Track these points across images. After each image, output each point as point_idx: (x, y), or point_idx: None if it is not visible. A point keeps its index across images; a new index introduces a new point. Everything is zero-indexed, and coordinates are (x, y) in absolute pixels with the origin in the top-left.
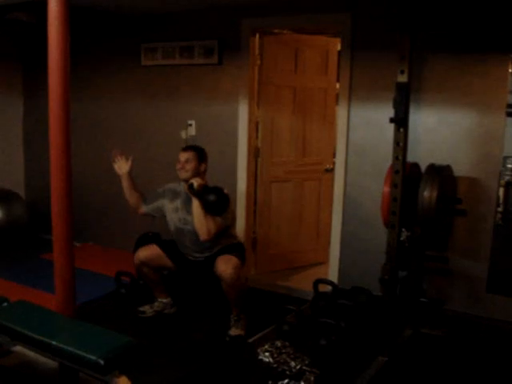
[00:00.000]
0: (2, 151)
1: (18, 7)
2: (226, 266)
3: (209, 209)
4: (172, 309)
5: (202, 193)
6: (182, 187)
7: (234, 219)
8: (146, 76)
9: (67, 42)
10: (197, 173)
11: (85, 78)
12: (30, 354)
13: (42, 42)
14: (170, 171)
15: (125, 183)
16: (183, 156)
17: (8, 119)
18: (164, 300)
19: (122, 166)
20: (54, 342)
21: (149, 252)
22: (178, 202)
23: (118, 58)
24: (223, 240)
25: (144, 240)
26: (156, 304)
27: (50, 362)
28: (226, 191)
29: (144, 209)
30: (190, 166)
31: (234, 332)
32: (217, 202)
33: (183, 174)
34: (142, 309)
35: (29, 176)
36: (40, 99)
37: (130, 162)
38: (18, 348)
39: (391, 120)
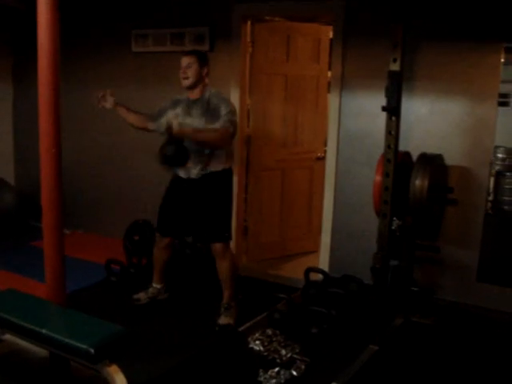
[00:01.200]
0: None
1: None
2: (221, 255)
3: (164, 160)
4: (165, 295)
5: (175, 140)
6: (186, 94)
7: (235, 129)
8: (136, 63)
9: (57, 28)
10: (200, 77)
11: (75, 64)
12: (21, 342)
13: (32, 28)
14: None
15: (121, 113)
16: (184, 61)
17: None
18: (158, 286)
19: (106, 102)
20: (44, 331)
21: (163, 244)
22: (179, 109)
23: (109, 44)
24: (217, 159)
25: (134, 228)
26: (150, 290)
27: (41, 351)
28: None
29: (151, 126)
30: (191, 72)
31: (222, 321)
32: (174, 156)
33: (186, 82)
34: (136, 296)
35: (18, 163)
36: (30, 86)
37: (110, 93)
38: (8, 337)
39: (383, 108)
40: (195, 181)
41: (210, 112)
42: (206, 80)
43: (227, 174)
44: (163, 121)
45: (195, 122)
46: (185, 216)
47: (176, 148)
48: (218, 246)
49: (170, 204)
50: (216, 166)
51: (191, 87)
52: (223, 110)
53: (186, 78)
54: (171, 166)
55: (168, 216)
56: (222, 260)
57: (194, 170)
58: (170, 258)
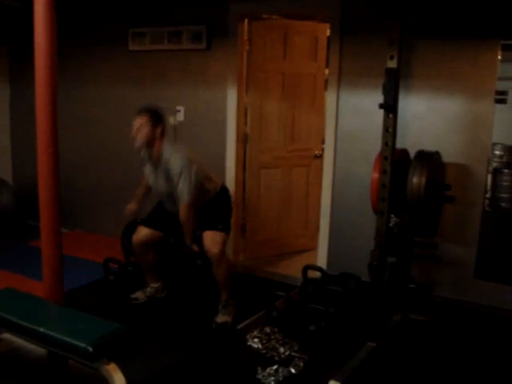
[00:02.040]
0: None
1: None
2: (211, 244)
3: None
4: (162, 293)
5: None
6: (144, 152)
7: (199, 170)
8: (133, 61)
9: (54, 27)
10: (152, 139)
11: (72, 63)
12: (19, 341)
13: (29, 27)
14: None
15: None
16: (136, 122)
17: None
18: (155, 285)
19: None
20: (42, 330)
21: (141, 233)
22: (148, 167)
23: (106, 42)
24: (202, 196)
25: (132, 227)
26: (148, 289)
27: (39, 350)
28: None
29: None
30: (142, 134)
31: (220, 319)
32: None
33: (136, 143)
34: (134, 296)
35: (16, 163)
36: (27, 85)
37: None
38: (6, 335)
39: (380, 106)
40: None
41: (170, 178)
42: (162, 138)
43: (219, 196)
44: (149, 181)
45: (163, 185)
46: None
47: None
48: (208, 234)
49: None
50: (201, 204)
51: (145, 146)
52: (175, 177)
53: (136, 140)
54: None
55: (159, 212)
56: (219, 265)
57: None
58: (162, 256)
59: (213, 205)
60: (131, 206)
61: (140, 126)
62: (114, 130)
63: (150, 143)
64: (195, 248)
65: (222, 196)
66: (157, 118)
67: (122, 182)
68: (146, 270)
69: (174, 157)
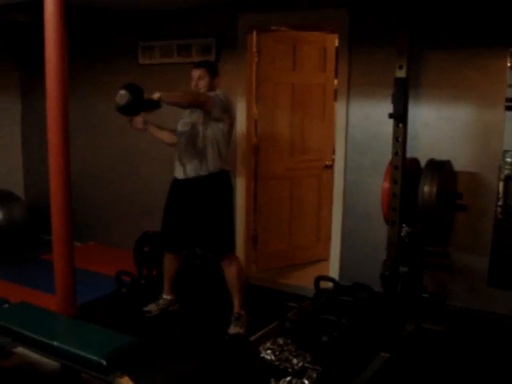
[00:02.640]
0: (1, 152)
1: (13, 7)
2: (224, 264)
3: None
4: (175, 305)
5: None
6: None
7: (231, 124)
8: (143, 75)
9: (64, 42)
10: (212, 88)
11: (83, 77)
12: (32, 355)
13: (39, 42)
14: (167, 167)
15: (152, 131)
16: (195, 73)
17: (6, 120)
18: (168, 297)
19: (137, 123)
20: (55, 343)
21: (171, 260)
22: (187, 112)
23: (116, 56)
24: (212, 156)
25: (144, 239)
26: (161, 302)
27: (52, 363)
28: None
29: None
30: (203, 83)
31: (232, 330)
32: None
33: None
34: (147, 308)
35: (28, 177)
36: (38, 100)
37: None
38: (20, 349)
39: (390, 115)
40: (192, 182)
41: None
42: (218, 88)
43: (224, 176)
44: (178, 126)
45: (195, 116)
46: (186, 227)
47: (130, 95)
48: (219, 259)
49: (172, 217)
50: (212, 166)
51: None
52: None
53: (199, 89)
54: (125, 114)
55: (171, 230)
56: (228, 269)
57: (189, 166)
58: (181, 268)
59: (216, 192)
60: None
61: (200, 77)
62: (126, 143)
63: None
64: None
65: (225, 180)
66: (214, 69)
67: (134, 194)
68: (167, 278)
69: (224, 92)
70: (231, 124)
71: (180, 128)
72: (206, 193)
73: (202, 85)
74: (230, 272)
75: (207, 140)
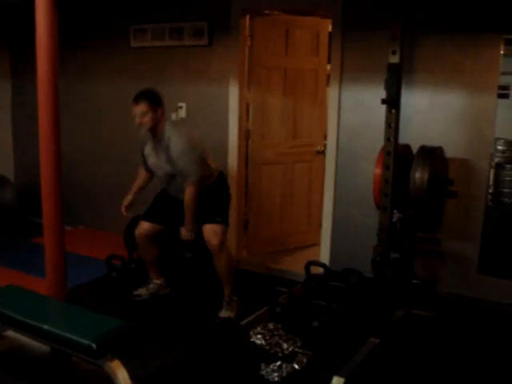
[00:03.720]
0: None
1: None
2: (211, 236)
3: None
4: (166, 289)
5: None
6: (147, 136)
7: (202, 150)
8: (135, 58)
9: (55, 23)
10: (156, 121)
11: (73, 59)
12: (22, 338)
13: (30, 24)
14: None
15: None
16: (137, 110)
17: None
18: (158, 281)
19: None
20: (45, 327)
21: (143, 227)
22: (148, 148)
23: (107, 39)
24: (201, 181)
25: (135, 223)
26: (151, 286)
27: (42, 347)
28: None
29: (146, 169)
30: (147, 119)
31: (223, 314)
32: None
33: (143, 129)
34: (137, 292)
35: (18, 159)
36: (28, 81)
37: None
38: (10, 333)
39: (383, 101)
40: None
41: (174, 163)
42: (164, 118)
43: (217, 182)
44: (149, 163)
45: (164, 166)
46: (176, 208)
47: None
48: (207, 228)
49: (163, 198)
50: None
51: (151, 131)
52: (178, 158)
53: (143, 125)
54: None
55: (158, 205)
56: (219, 257)
57: (180, 195)
58: (164, 251)
59: (210, 194)
60: (127, 198)
61: (142, 113)
62: (116, 126)
63: (155, 126)
64: (189, 236)
65: (219, 184)
66: (156, 100)
67: (124, 178)
68: (149, 264)
69: (175, 136)
70: (195, 160)
71: (153, 168)
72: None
73: (146, 120)
74: (221, 263)
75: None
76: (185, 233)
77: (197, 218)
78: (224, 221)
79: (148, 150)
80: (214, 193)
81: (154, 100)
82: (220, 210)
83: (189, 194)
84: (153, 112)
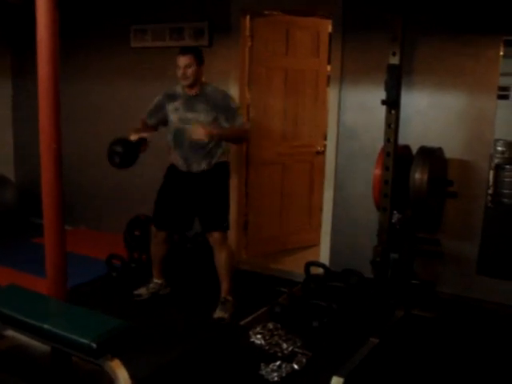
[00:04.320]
0: None
1: None
2: (218, 243)
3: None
4: (166, 289)
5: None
6: (181, 89)
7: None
8: (135, 58)
9: (56, 23)
10: (198, 76)
11: (74, 59)
12: (22, 338)
13: (30, 23)
14: (160, 154)
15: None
16: (182, 61)
17: None
18: (159, 281)
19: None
20: (45, 326)
21: (160, 238)
22: (178, 103)
23: (108, 39)
24: (217, 154)
25: (135, 223)
26: (151, 286)
27: (43, 346)
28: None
29: (150, 122)
30: (191, 71)
31: (217, 314)
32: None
33: (186, 82)
34: (137, 292)
35: (18, 159)
36: (29, 81)
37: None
38: (10, 332)
39: (383, 102)
40: (195, 174)
41: (218, 107)
42: (203, 74)
43: (225, 166)
44: (172, 118)
45: (200, 116)
46: (182, 209)
47: (124, 149)
48: (215, 235)
49: (167, 196)
50: (216, 160)
51: (191, 85)
52: (233, 108)
53: (187, 78)
54: (118, 168)
55: (165, 209)
56: (220, 251)
57: (195, 164)
58: (171, 252)
59: (216, 185)
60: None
61: (187, 65)
62: (117, 127)
63: (195, 81)
64: (203, 136)
65: (225, 171)
66: (201, 56)
67: (125, 178)
68: (156, 263)
69: (225, 92)
70: None
71: (179, 124)
72: (206, 182)
73: (190, 73)
74: (221, 257)
75: (215, 152)
76: (202, 132)
77: (202, 217)
78: (228, 224)
79: (176, 105)
80: (219, 187)
81: (199, 56)
82: (225, 213)
83: (244, 131)
84: (197, 66)
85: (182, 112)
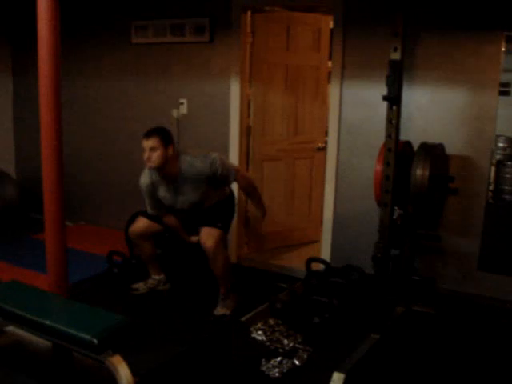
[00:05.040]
0: None
1: None
2: (206, 238)
3: None
4: (165, 285)
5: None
6: (154, 175)
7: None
8: (136, 54)
9: (57, 21)
10: (166, 159)
11: (75, 56)
12: (23, 334)
13: (31, 19)
14: None
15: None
16: (147, 144)
17: None
18: (157, 277)
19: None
20: (47, 322)
21: (139, 224)
22: (162, 190)
23: (109, 35)
24: (217, 195)
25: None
26: (150, 281)
27: (44, 342)
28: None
29: (162, 212)
30: (156, 155)
31: (218, 311)
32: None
33: (151, 164)
34: (135, 286)
35: (19, 155)
36: (30, 77)
37: None
38: (11, 328)
39: (384, 98)
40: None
41: (206, 180)
42: (174, 154)
43: (227, 199)
44: (164, 202)
45: (190, 196)
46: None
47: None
48: (211, 231)
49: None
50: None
51: (159, 169)
52: (223, 173)
53: (152, 162)
54: None
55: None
56: (213, 261)
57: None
58: (171, 248)
59: (219, 206)
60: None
61: (153, 149)
62: (118, 123)
63: (164, 164)
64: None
65: (229, 199)
66: (167, 137)
67: (125, 174)
68: (147, 261)
69: (196, 158)
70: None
71: (174, 204)
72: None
73: (155, 156)
74: (216, 264)
75: (212, 197)
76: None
77: (197, 223)
78: (223, 227)
79: (161, 192)
80: (222, 205)
81: (165, 137)
82: (222, 218)
83: (247, 177)
84: (163, 148)
85: (171, 197)
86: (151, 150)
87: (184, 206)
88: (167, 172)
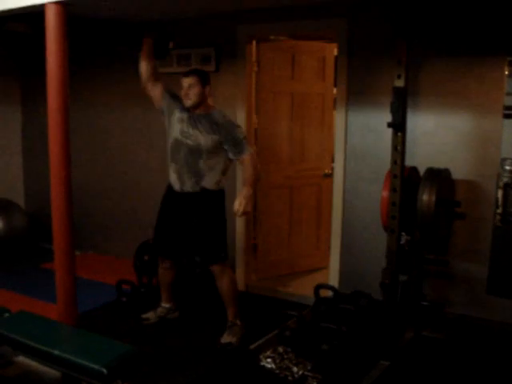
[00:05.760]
0: (2, 161)
1: (14, 18)
2: (216, 275)
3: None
4: (175, 313)
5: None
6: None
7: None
8: None
9: (65, 52)
10: (203, 97)
11: (83, 87)
12: (32, 364)
13: (40, 52)
14: (168, 179)
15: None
16: (186, 81)
17: (7, 129)
18: (167, 305)
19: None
20: (56, 352)
21: (165, 266)
22: (185, 116)
23: (117, 66)
24: (212, 175)
25: (144, 248)
26: (159, 310)
27: (53, 372)
28: None
29: (158, 88)
30: (193, 92)
31: (224, 339)
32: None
33: (188, 102)
34: (145, 316)
35: (28, 185)
36: (39, 109)
37: None
38: (20, 358)
39: (389, 124)
40: (189, 196)
41: (223, 135)
42: (210, 98)
43: (221, 195)
44: (175, 128)
45: (201, 136)
46: (179, 236)
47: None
48: (215, 268)
49: (165, 224)
50: (210, 184)
51: (194, 107)
52: (239, 138)
53: (189, 99)
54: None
55: (164, 237)
56: (221, 280)
57: (188, 182)
58: (179, 276)
59: (211, 214)
60: None
61: (190, 86)
62: (126, 153)
63: (199, 103)
64: (248, 207)
65: (221, 198)
66: (205, 77)
67: (134, 204)
68: (164, 287)
69: (232, 120)
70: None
71: (180, 136)
72: (200, 208)
73: (193, 93)
74: (223, 283)
75: (210, 164)
76: (242, 203)
77: (198, 250)
78: (226, 254)
79: (182, 116)
80: (214, 216)
81: (203, 77)
82: (222, 243)
83: (251, 160)
84: (201, 87)
85: (185, 125)
86: (189, 88)
87: (188, 142)
88: (200, 108)
